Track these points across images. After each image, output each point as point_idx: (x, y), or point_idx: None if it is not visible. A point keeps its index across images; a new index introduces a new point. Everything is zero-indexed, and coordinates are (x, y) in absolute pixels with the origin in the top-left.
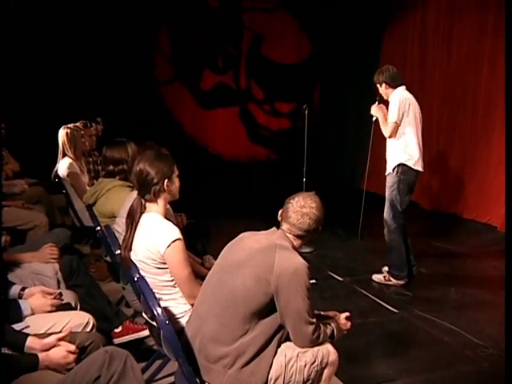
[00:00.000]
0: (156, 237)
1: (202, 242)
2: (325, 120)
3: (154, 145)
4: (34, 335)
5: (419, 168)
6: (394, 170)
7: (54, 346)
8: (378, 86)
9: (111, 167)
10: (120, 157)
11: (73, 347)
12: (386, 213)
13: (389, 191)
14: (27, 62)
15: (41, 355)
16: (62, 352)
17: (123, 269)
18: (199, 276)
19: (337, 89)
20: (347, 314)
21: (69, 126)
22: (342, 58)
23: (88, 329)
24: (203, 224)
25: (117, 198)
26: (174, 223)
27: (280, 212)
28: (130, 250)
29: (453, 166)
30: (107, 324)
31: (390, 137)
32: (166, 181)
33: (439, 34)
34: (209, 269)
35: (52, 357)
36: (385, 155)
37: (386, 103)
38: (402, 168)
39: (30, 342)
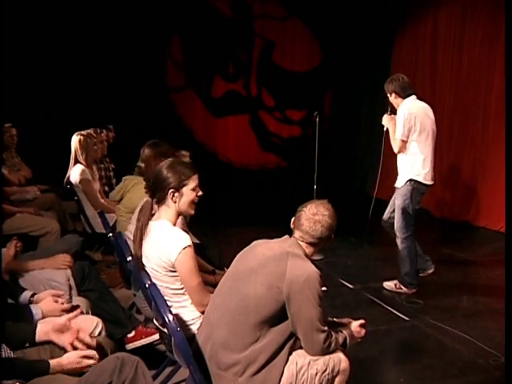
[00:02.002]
0: (166, 245)
1: (219, 255)
2: (335, 127)
3: (167, 145)
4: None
5: (428, 182)
6: (407, 182)
7: (64, 326)
8: (389, 95)
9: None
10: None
11: (93, 352)
12: (398, 222)
13: (401, 200)
14: (40, 70)
15: (52, 362)
16: (74, 358)
17: (134, 276)
18: (208, 283)
19: (348, 96)
20: (362, 321)
21: (82, 132)
22: (353, 66)
23: (97, 332)
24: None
25: (142, 192)
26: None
27: (293, 220)
28: (141, 246)
29: (464, 173)
30: (120, 329)
31: (398, 152)
32: (171, 191)
33: (450, 40)
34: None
35: (63, 363)
36: (396, 162)
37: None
38: (415, 181)
39: (41, 327)
